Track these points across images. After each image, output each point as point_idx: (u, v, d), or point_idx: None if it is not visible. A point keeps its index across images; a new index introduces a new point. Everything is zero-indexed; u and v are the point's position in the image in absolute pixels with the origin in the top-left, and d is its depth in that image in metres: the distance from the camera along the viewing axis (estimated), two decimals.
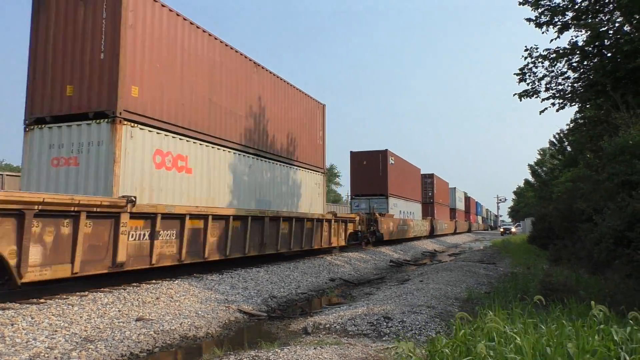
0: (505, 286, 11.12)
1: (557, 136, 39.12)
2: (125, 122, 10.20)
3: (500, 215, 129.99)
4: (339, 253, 21.39)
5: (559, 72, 14.90)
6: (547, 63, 14.75)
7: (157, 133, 11.13)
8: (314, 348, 6.27)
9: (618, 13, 13.08)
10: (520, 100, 15.86)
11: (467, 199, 74.32)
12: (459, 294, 11.01)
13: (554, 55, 14.33)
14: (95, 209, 8.96)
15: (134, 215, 9.90)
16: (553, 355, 4.30)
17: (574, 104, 15.99)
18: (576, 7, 13.63)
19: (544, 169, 48.86)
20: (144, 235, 10.31)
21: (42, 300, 8.39)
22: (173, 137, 11.60)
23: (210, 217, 12.28)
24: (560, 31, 14.33)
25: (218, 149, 13.36)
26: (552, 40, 15.09)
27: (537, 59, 14.78)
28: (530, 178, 55.33)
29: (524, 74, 15.31)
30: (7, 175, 17.89)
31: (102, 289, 9.64)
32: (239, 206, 14.16)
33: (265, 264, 15.54)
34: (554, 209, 18.83)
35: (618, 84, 12.79)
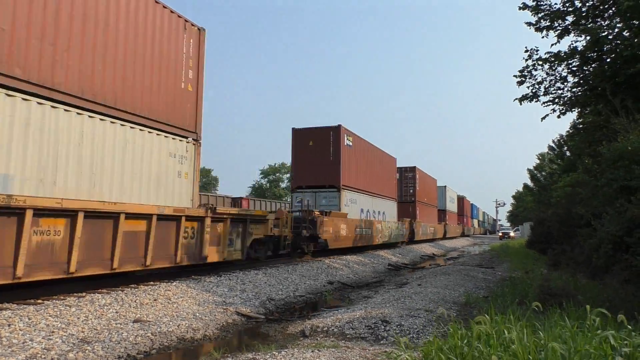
0: (504, 291, 11.11)
1: (556, 141, 39.21)
2: None
3: (499, 220, 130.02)
4: (337, 256, 21.31)
5: (559, 76, 14.91)
6: (546, 66, 14.76)
7: None
8: (312, 351, 6.25)
9: (617, 19, 13.11)
10: (521, 104, 15.87)
11: (461, 200, 67.73)
12: (457, 298, 11.00)
13: (554, 58, 14.35)
14: None
15: None
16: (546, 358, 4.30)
17: (574, 110, 16.00)
18: (576, 12, 13.65)
19: (543, 173, 48.90)
20: None
21: (39, 301, 8.37)
22: None
23: None
24: (561, 36, 14.35)
25: None
26: (552, 44, 15.15)
27: (537, 62, 14.79)
28: (529, 182, 55.41)
29: (524, 76, 15.31)
30: None
31: (100, 290, 9.61)
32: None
33: (263, 266, 15.51)
34: (553, 213, 18.85)
35: (618, 89, 12.80)
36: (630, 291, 8.28)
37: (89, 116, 9.72)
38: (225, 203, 28.43)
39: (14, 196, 7.78)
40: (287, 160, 65.91)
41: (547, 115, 16.10)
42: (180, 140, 12.41)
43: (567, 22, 14.08)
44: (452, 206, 57.40)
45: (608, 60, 13.30)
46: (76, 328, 7.43)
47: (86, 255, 9.13)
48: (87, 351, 6.62)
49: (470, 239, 67.64)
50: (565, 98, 15.33)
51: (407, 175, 38.08)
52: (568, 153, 29.77)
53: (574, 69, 14.47)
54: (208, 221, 12.47)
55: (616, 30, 12.98)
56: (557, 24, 14.24)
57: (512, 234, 66.43)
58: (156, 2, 11.73)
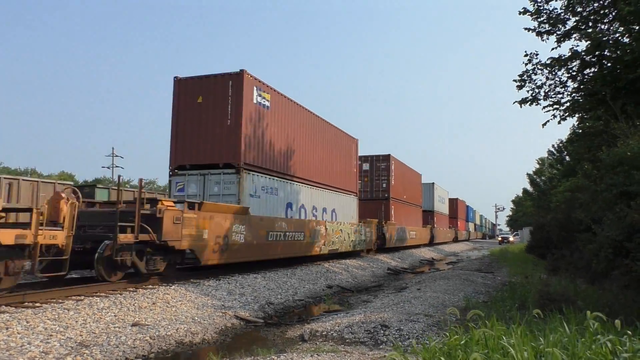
0: (504, 295, 11.09)
1: (555, 146, 39.27)
2: None
3: (499, 225, 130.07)
4: (337, 260, 21.28)
5: (559, 80, 14.93)
6: (546, 71, 14.78)
7: None
8: (311, 355, 6.23)
9: (617, 24, 13.13)
10: (521, 107, 15.87)
11: (454, 202, 61.96)
12: (457, 302, 10.98)
13: (554, 63, 14.37)
14: None
15: None
16: None
17: (574, 115, 16.00)
18: (577, 17, 13.68)
19: (543, 178, 48.97)
20: None
21: (37, 304, 8.34)
22: None
23: None
24: (561, 40, 14.37)
25: None
26: (552, 49, 15.15)
27: (537, 66, 14.81)
28: (528, 187, 55.47)
29: (524, 80, 15.32)
30: (22, 180, 17.63)
31: (99, 294, 9.59)
32: None
33: (262, 270, 15.48)
34: (552, 218, 18.82)
35: (618, 94, 12.81)
36: (630, 296, 8.26)
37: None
38: None
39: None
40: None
41: (548, 121, 16.12)
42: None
43: (567, 27, 14.11)
44: (442, 207, 50.94)
45: (608, 65, 13.32)
46: (74, 331, 7.40)
47: None
48: (85, 355, 6.59)
49: (470, 243, 67.49)
50: (566, 103, 15.34)
51: (379, 166, 30.02)
52: (568, 158, 29.82)
53: (574, 73, 14.49)
54: None
55: (617, 35, 13.01)
56: (557, 29, 14.27)
57: (511, 238, 66.33)
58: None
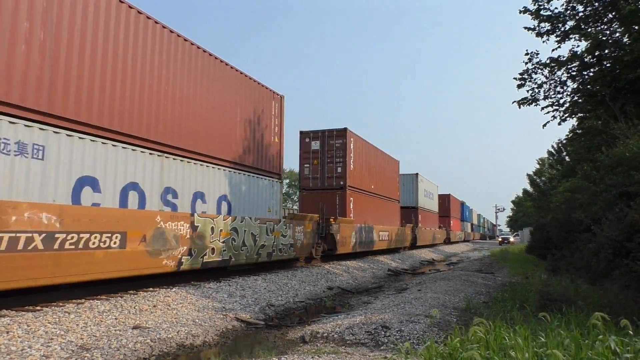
0: (504, 296, 11.09)
1: (555, 146, 39.34)
2: None
3: (499, 225, 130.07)
4: (337, 262, 21.27)
5: (558, 80, 14.97)
6: (546, 71, 14.83)
7: None
8: (312, 357, 6.23)
9: (617, 24, 13.17)
10: (520, 107, 15.92)
11: (445, 198, 54.89)
12: (457, 303, 10.98)
13: (553, 63, 14.41)
14: None
15: None
16: None
17: (574, 116, 16.05)
18: (577, 17, 13.72)
19: (543, 178, 49.05)
20: None
21: (38, 308, 8.34)
22: None
23: None
24: (561, 40, 14.41)
25: None
26: (553, 50, 15.23)
27: (537, 66, 14.86)
28: (528, 188, 55.55)
29: (524, 79, 15.37)
30: None
31: (99, 297, 9.59)
32: None
33: (263, 272, 15.48)
34: (553, 218, 18.84)
35: (617, 94, 12.84)
36: (631, 296, 8.27)
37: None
38: None
39: None
40: None
41: (548, 122, 16.17)
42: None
43: (567, 27, 14.15)
44: (429, 203, 42.92)
45: (608, 65, 13.36)
46: (75, 335, 7.40)
47: None
48: (86, 358, 6.59)
49: (469, 244, 67.44)
50: (565, 104, 15.39)
51: (333, 144, 22.34)
52: (567, 158, 29.84)
53: (574, 73, 14.53)
54: None
55: (616, 34, 13.05)
56: (557, 29, 14.32)
57: (511, 239, 66.37)
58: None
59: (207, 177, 12.96)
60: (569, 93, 15.21)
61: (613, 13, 13.00)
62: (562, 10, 14.08)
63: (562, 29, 14.24)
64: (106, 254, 9.27)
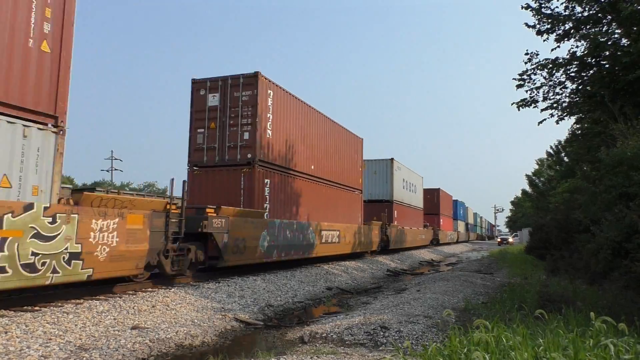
0: (503, 296, 11.09)
1: (554, 147, 39.37)
2: None
3: (498, 226, 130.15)
4: (336, 262, 21.27)
5: (557, 81, 14.99)
6: (545, 72, 14.84)
7: None
8: (311, 357, 6.23)
9: (615, 25, 13.18)
10: (519, 109, 15.92)
11: (434, 193, 47.89)
12: (456, 304, 10.98)
13: (552, 65, 14.42)
14: None
15: None
16: None
17: (572, 116, 16.07)
18: (575, 17, 13.74)
19: (542, 179, 49.09)
20: None
21: (36, 308, 8.33)
22: None
23: None
24: (560, 40, 14.42)
25: None
26: (552, 49, 15.24)
27: (537, 68, 14.87)
28: (527, 188, 55.60)
29: (523, 80, 15.39)
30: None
31: (98, 297, 9.58)
32: None
33: (262, 272, 15.47)
34: (552, 219, 18.84)
35: (616, 95, 12.85)
36: (630, 297, 8.27)
37: None
38: None
39: None
40: None
41: (545, 119, 16.14)
42: None
43: (567, 27, 14.17)
44: (409, 197, 35.60)
45: (607, 66, 13.38)
46: (74, 335, 7.39)
47: None
48: (84, 358, 6.58)
49: (469, 244, 67.40)
50: (564, 104, 15.41)
51: (239, 97, 15.54)
52: (566, 159, 29.89)
53: (573, 75, 14.55)
54: None
55: (615, 36, 13.06)
56: (557, 27, 14.33)
57: (510, 239, 66.46)
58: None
59: None
60: (567, 94, 15.24)
61: (612, 15, 13.02)
62: (562, 10, 14.11)
63: (562, 28, 14.26)
64: None
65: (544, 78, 15.09)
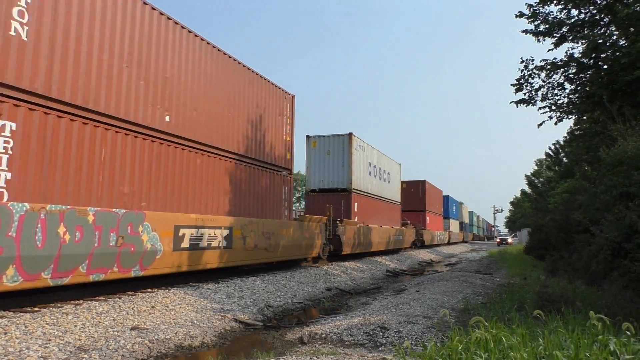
0: (502, 297, 11.09)
1: (553, 147, 39.39)
2: None
3: (497, 226, 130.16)
4: (336, 263, 21.27)
5: (556, 83, 15.02)
6: (543, 74, 14.87)
7: None
8: (310, 358, 6.22)
9: (614, 27, 13.20)
10: (517, 107, 15.95)
11: (418, 186, 40.43)
12: (456, 304, 10.98)
13: (550, 67, 14.44)
14: None
15: None
16: None
17: (571, 116, 16.10)
18: (572, 21, 13.76)
19: (541, 180, 49.11)
20: None
21: (36, 309, 8.32)
22: None
23: None
24: (558, 43, 14.45)
25: None
26: (549, 50, 15.29)
27: (533, 71, 14.91)
28: (527, 189, 55.65)
29: (521, 84, 15.43)
30: None
31: (97, 298, 9.57)
32: None
33: (261, 273, 15.46)
34: (551, 219, 18.84)
35: (615, 95, 12.87)
36: (629, 297, 8.27)
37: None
38: None
39: None
40: None
41: (544, 122, 16.18)
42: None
43: (563, 30, 14.20)
44: (379, 187, 28.43)
45: (605, 67, 13.40)
46: (73, 336, 7.38)
47: None
48: (83, 359, 6.57)
49: (469, 245, 67.38)
50: (563, 105, 15.44)
51: None
52: (565, 159, 29.92)
53: (571, 76, 14.58)
54: None
55: (614, 37, 13.08)
56: (554, 31, 14.35)
57: (510, 240, 66.47)
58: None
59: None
60: (566, 95, 15.26)
61: (609, 16, 13.04)
62: (558, 14, 14.13)
63: (559, 32, 14.29)
64: None
65: (542, 80, 15.13)
